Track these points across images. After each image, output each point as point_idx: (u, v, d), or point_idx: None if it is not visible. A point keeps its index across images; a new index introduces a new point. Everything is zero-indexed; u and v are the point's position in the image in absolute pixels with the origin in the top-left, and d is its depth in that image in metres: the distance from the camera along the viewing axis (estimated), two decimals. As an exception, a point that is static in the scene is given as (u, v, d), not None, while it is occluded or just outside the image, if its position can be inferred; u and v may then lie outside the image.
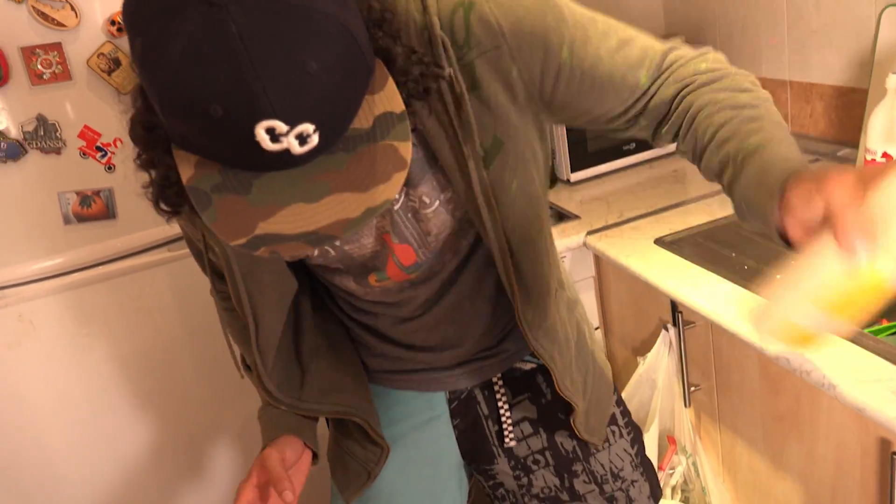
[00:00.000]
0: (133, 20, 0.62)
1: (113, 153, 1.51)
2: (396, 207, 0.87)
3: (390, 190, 0.64)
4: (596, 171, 2.09)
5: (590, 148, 2.07)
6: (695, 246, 1.54)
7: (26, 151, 1.46)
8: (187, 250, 1.02)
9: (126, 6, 0.64)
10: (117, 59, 1.45)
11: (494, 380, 1.13)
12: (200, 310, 1.68)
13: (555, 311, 1.01)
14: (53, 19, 1.39)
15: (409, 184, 0.86)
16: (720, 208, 1.70)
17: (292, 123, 0.59)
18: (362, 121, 0.65)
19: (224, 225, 0.63)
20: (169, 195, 0.71)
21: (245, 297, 0.89)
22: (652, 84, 0.86)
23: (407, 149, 0.66)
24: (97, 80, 1.46)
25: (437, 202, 0.87)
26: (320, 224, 0.63)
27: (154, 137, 0.67)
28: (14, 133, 1.45)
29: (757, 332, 0.69)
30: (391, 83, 0.68)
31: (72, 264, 1.56)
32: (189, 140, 0.63)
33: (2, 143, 1.44)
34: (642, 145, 2.11)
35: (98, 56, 1.44)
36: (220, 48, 0.57)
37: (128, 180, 1.53)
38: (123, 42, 1.45)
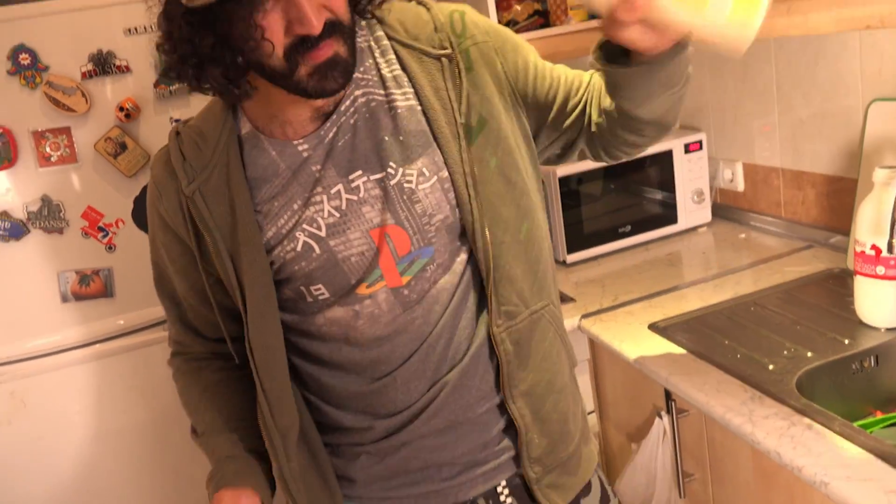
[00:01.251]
0: None
1: (114, 233, 1.56)
2: (392, 182, 0.97)
3: None
4: (592, 252, 2.13)
5: (586, 229, 2.12)
6: (688, 332, 1.57)
7: (29, 231, 1.51)
8: None
9: None
10: (124, 143, 1.51)
11: (499, 489, 1.09)
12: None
13: (542, 333, 1.06)
14: (65, 105, 1.46)
15: (409, 158, 0.98)
16: (714, 294, 1.74)
17: None
18: None
19: None
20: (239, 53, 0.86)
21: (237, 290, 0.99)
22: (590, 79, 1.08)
23: None
24: (103, 162, 1.52)
25: (434, 178, 0.98)
26: None
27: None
28: (19, 213, 1.50)
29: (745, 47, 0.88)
30: None
31: (67, 343, 1.59)
32: None
33: (6, 223, 1.49)
34: (638, 227, 2.16)
35: (105, 140, 1.50)
36: None
37: (128, 259, 1.57)
38: (131, 126, 1.52)
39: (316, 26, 0.83)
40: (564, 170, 2.06)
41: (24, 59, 1.43)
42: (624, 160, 1.16)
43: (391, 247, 0.98)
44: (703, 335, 1.54)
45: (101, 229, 1.55)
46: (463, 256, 1.03)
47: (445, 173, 0.99)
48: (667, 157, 2.14)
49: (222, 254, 0.98)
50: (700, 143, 2.17)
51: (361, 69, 0.99)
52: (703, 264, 1.96)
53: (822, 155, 1.89)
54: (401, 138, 0.98)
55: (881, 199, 1.48)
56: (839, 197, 1.86)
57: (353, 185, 0.97)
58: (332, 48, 0.88)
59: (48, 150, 1.47)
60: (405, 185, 0.97)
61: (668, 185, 2.17)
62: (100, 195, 1.54)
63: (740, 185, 2.19)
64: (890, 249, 1.37)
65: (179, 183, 0.98)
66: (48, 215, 1.51)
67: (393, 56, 1.00)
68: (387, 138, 0.98)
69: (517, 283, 1.03)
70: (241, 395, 1.11)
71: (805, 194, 1.97)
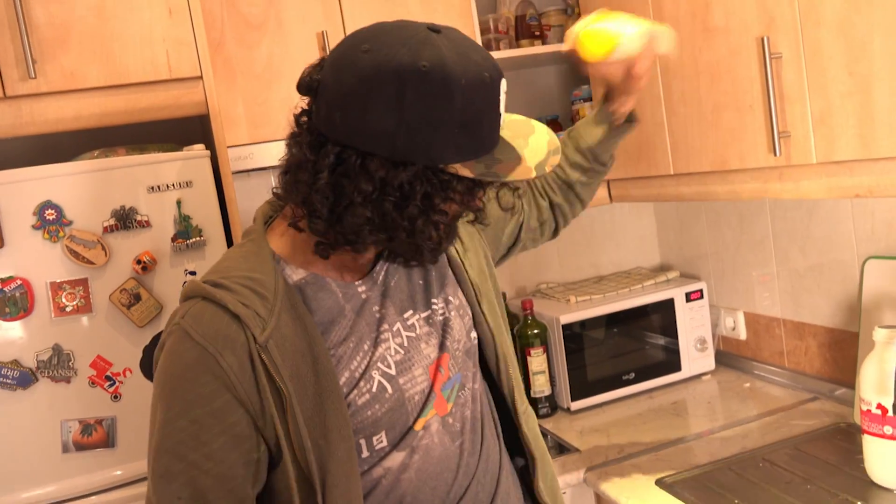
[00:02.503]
0: (399, 60, 0.86)
1: (121, 382, 1.58)
2: (436, 317, 1.08)
3: (539, 123, 0.99)
4: (596, 400, 2.15)
5: (590, 376, 2.14)
6: (697, 489, 1.56)
7: (37, 380, 1.53)
8: None
9: (372, 62, 0.86)
10: (138, 294, 1.56)
11: None
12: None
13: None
14: (84, 258, 1.52)
15: (438, 293, 1.10)
16: (721, 447, 1.74)
17: (505, 86, 0.94)
18: None
19: (515, 175, 0.92)
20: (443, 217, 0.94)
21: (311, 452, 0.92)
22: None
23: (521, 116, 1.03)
24: (116, 313, 1.56)
25: (453, 306, 1.10)
26: (545, 148, 0.96)
27: (419, 179, 0.89)
28: (28, 362, 1.53)
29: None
30: None
31: (63, 494, 1.56)
32: (473, 134, 0.89)
33: (15, 372, 1.51)
34: (641, 375, 2.19)
35: (121, 291, 1.55)
36: (461, 44, 0.89)
37: (132, 409, 1.58)
38: (146, 278, 1.57)
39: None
40: (568, 316, 2.11)
41: (51, 214, 1.50)
42: (557, 234, 1.44)
43: (442, 374, 1.05)
44: (712, 493, 1.53)
45: (108, 378, 1.57)
46: (478, 379, 1.13)
47: (458, 300, 1.12)
48: (668, 304, 2.20)
49: (296, 409, 0.90)
50: (701, 291, 2.23)
51: None
52: (709, 414, 1.97)
53: (821, 307, 1.95)
54: (435, 273, 1.11)
55: (883, 358, 1.52)
56: (841, 349, 1.90)
57: (409, 322, 1.05)
58: None
59: (64, 300, 1.52)
60: (440, 317, 1.08)
61: (670, 331, 2.22)
62: (110, 345, 1.57)
63: (742, 334, 2.24)
64: (895, 410, 1.39)
65: (248, 333, 0.90)
66: (58, 364, 1.54)
67: None
68: (424, 278, 1.10)
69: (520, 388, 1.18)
70: None
71: (807, 345, 2.01)
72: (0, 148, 1.84)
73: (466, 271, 1.15)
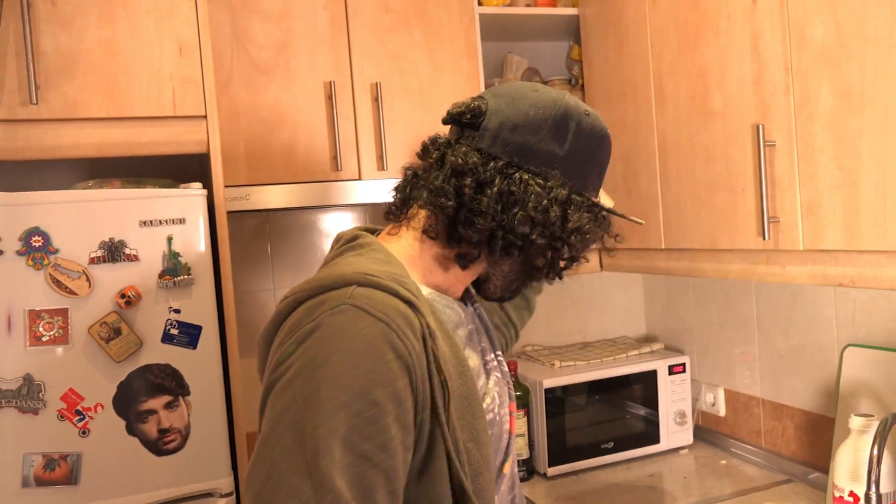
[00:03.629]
0: (569, 112, 1.02)
1: (91, 417, 1.55)
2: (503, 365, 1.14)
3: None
4: (573, 466, 2.14)
5: (568, 441, 2.14)
6: (669, 570, 1.55)
7: (2, 408, 1.51)
8: None
9: (548, 111, 1.01)
10: (119, 329, 1.55)
11: None
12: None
13: None
14: (67, 288, 1.51)
15: (494, 343, 1.15)
16: (695, 527, 1.74)
17: None
18: None
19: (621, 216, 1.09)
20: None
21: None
22: None
23: None
24: (94, 346, 1.55)
25: (497, 362, 1.14)
26: (611, 202, 1.12)
27: (582, 209, 1.03)
28: (-3, 389, 1.50)
29: None
30: None
31: (20, 530, 1.53)
32: (600, 179, 1.08)
33: (-17, 399, 1.49)
34: (620, 444, 2.19)
35: (101, 324, 1.54)
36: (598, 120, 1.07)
37: (99, 446, 1.56)
38: (128, 313, 1.57)
39: None
40: (551, 380, 2.11)
41: (37, 241, 1.49)
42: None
43: (512, 420, 1.10)
44: (684, 575, 1.53)
45: (78, 412, 1.55)
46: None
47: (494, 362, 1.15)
48: (651, 376, 2.21)
49: (453, 403, 0.88)
50: (684, 365, 2.25)
51: None
52: (685, 490, 1.97)
53: (800, 390, 1.97)
54: (489, 325, 1.18)
55: (858, 446, 1.54)
56: (818, 434, 1.92)
57: (495, 362, 1.12)
58: None
59: (41, 329, 1.51)
60: (502, 366, 1.14)
61: (651, 403, 2.22)
62: (84, 378, 1.55)
63: (722, 411, 2.25)
64: (867, 500, 1.40)
65: (421, 319, 0.87)
66: (27, 395, 1.51)
67: None
68: (489, 328, 1.17)
69: None
70: None
71: (785, 426, 2.03)
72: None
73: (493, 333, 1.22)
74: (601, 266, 2.19)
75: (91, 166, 1.78)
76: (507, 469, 1.06)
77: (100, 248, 1.54)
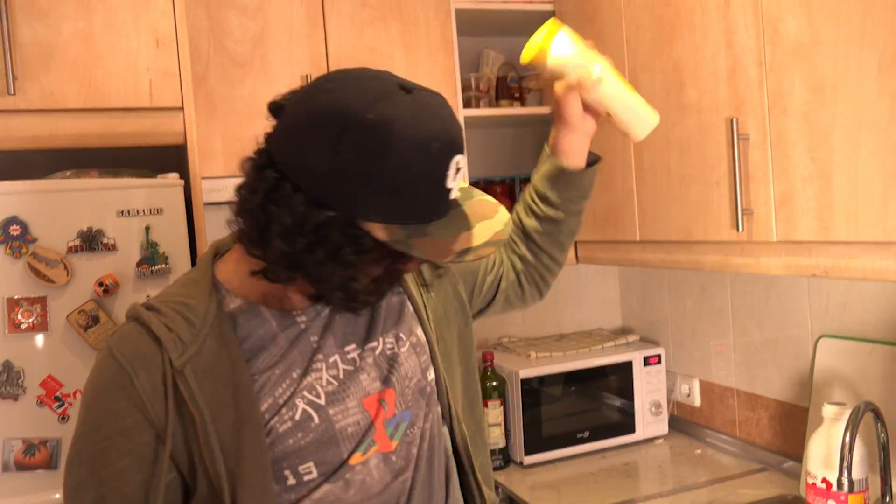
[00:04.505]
0: (348, 107, 0.85)
1: (70, 404, 1.54)
2: (378, 351, 1.05)
3: (503, 216, 0.97)
4: (549, 455, 2.14)
5: (544, 431, 2.14)
6: (642, 556, 1.56)
7: (-18, 395, 1.49)
8: None
9: (327, 104, 0.87)
10: (97, 317, 1.54)
11: None
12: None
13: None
14: (46, 276, 1.50)
15: (387, 328, 1.07)
16: (669, 514, 1.75)
17: (463, 162, 0.90)
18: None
19: (430, 253, 0.88)
20: (351, 268, 0.91)
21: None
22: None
23: (492, 199, 1.01)
24: (72, 334, 1.53)
25: (408, 344, 1.08)
26: (486, 238, 0.92)
27: (332, 227, 0.87)
28: (-25, 376, 1.49)
29: (646, 132, 1.22)
30: None
31: (-3, 517, 1.52)
32: (396, 197, 0.86)
33: (-39, 387, 1.48)
34: (596, 434, 2.19)
35: (79, 312, 1.53)
36: (424, 110, 0.87)
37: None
38: (107, 301, 1.56)
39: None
40: (527, 371, 2.11)
41: (15, 230, 1.48)
42: (544, 295, 1.34)
43: (385, 410, 1.02)
44: (656, 561, 1.53)
45: (57, 399, 1.53)
46: (430, 419, 1.09)
47: (415, 339, 1.10)
48: (626, 367, 2.22)
49: (210, 437, 0.91)
50: (659, 356, 2.26)
51: None
52: (660, 478, 1.98)
53: (774, 381, 1.98)
54: (385, 309, 1.08)
55: (830, 433, 1.55)
56: (791, 423, 1.93)
57: (349, 356, 1.03)
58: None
59: (20, 317, 1.49)
60: (388, 351, 1.06)
61: (627, 394, 2.23)
62: (63, 365, 1.53)
63: (697, 401, 2.26)
64: (840, 486, 1.41)
65: (166, 357, 0.91)
66: (6, 381, 1.50)
67: None
68: (374, 313, 1.07)
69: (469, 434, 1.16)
70: None
71: (759, 416, 2.04)
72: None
73: (425, 312, 1.13)
74: (577, 259, 2.19)
75: (68, 157, 1.76)
76: (357, 459, 1.00)
77: (78, 238, 1.53)
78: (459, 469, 1.15)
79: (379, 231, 0.86)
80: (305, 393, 0.97)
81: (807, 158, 1.37)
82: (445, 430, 1.13)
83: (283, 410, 0.95)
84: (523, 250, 1.28)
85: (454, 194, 0.91)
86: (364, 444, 1.00)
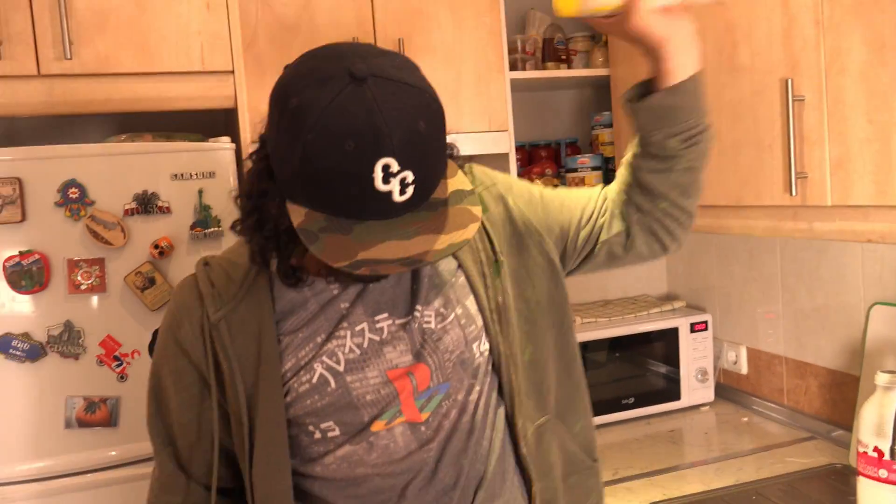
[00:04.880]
0: (288, 86, 0.85)
1: (128, 363, 1.61)
2: (416, 325, 1.03)
3: (467, 233, 0.88)
4: (594, 421, 2.16)
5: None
6: (688, 519, 1.58)
7: (46, 354, 1.56)
8: None
9: (283, 78, 0.87)
10: (153, 278, 1.59)
11: None
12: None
13: (547, 444, 1.12)
14: (104, 238, 1.55)
15: (429, 300, 1.05)
16: (715, 478, 1.76)
17: (402, 165, 0.83)
18: (440, 193, 0.90)
19: (330, 253, 0.84)
20: (275, 242, 0.93)
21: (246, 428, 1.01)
22: (602, 193, 1.19)
23: (478, 210, 0.91)
24: (130, 295, 1.59)
25: (452, 315, 1.05)
26: (411, 253, 0.84)
27: (268, 198, 0.89)
28: (39, 335, 1.56)
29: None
30: (460, 172, 0.95)
31: (61, 469, 1.59)
32: (312, 186, 0.84)
33: (25, 345, 1.55)
34: (641, 401, 2.20)
35: (136, 274, 1.58)
36: (360, 103, 0.81)
37: (137, 391, 1.61)
38: (162, 263, 1.61)
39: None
40: (572, 337, 2.13)
41: (74, 193, 1.53)
42: (669, 247, 1.19)
43: (413, 384, 1.02)
44: (703, 524, 1.55)
45: (116, 358, 1.60)
46: (476, 391, 1.07)
47: (462, 310, 1.06)
48: (672, 333, 2.22)
49: (238, 387, 0.99)
50: (706, 323, 2.25)
51: None
52: (705, 445, 1.99)
53: (824, 349, 1.97)
54: (427, 280, 1.06)
55: (883, 402, 1.53)
56: (841, 391, 1.92)
57: (378, 325, 1.03)
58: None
59: (80, 278, 1.55)
60: (425, 325, 1.04)
61: (673, 361, 2.23)
62: (121, 325, 1.60)
63: (744, 369, 2.25)
64: (892, 454, 1.41)
65: (205, 310, 1.00)
66: (68, 340, 1.57)
67: None
68: (416, 285, 1.06)
69: (531, 400, 1.11)
70: None
71: (808, 385, 2.03)
72: (30, 124, 1.88)
73: (483, 282, 1.09)
74: (626, 224, 2.19)
75: (119, 122, 1.81)
76: (379, 426, 1.02)
77: (134, 201, 1.58)
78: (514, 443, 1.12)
79: (298, 216, 0.86)
80: (325, 358, 1.00)
81: (864, 120, 1.35)
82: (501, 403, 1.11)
83: (302, 373, 0.99)
84: (638, 199, 1.14)
85: (398, 197, 0.84)
86: (387, 414, 1.01)
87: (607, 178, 2.28)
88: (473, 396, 1.07)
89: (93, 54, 1.59)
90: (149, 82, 1.63)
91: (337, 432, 1.01)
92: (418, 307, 1.04)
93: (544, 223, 1.15)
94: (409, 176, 0.83)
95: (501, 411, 1.10)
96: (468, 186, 0.92)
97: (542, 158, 2.30)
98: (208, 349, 1.00)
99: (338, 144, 0.81)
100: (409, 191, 0.84)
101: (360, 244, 0.84)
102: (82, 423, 1.60)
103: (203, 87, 1.66)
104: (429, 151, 0.86)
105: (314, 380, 0.99)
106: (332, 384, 0.99)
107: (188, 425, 1.05)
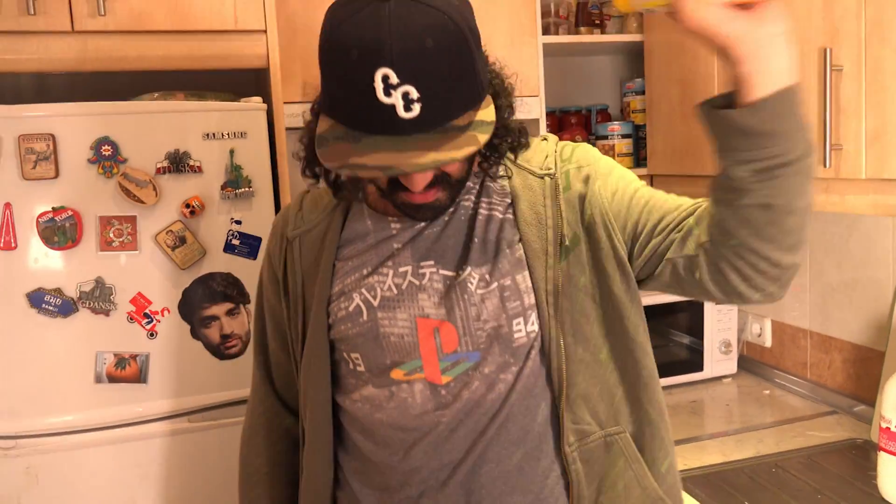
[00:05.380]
0: (329, 10, 0.91)
1: (158, 321, 1.65)
2: (458, 281, 1.04)
3: (457, 154, 0.88)
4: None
5: (610, 367, 2.20)
6: (708, 487, 1.62)
7: (77, 310, 1.61)
8: (208, 423, 1.46)
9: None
10: (184, 237, 1.63)
11: None
12: (205, 484, 1.75)
13: (612, 459, 1.07)
14: (136, 196, 1.59)
15: (480, 262, 1.05)
16: (735, 449, 1.79)
17: (402, 78, 0.85)
18: (461, 121, 0.91)
19: (328, 156, 0.90)
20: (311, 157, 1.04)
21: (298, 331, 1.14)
22: (693, 207, 1.04)
23: (484, 137, 0.91)
24: (160, 253, 1.63)
25: (495, 285, 1.04)
26: (394, 163, 0.87)
27: (313, 120, 1.00)
28: (71, 291, 1.61)
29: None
30: (493, 108, 0.96)
31: (91, 423, 1.65)
32: (333, 98, 0.91)
33: (57, 300, 1.60)
34: (663, 371, 2.22)
35: (167, 232, 1.62)
36: (373, 17, 0.86)
37: (166, 348, 1.66)
38: (193, 222, 1.65)
39: (418, 188, 0.96)
40: (595, 306, 2.16)
41: (107, 150, 1.57)
42: (746, 296, 0.98)
43: (437, 342, 1.03)
44: (722, 492, 1.59)
45: (146, 315, 1.65)
46: (513, 371, 1.04)
47: (510, 282, 1.04)
48: (697, 305, 2.25)
49: (297, 299, 1.12)
50: (731, 295, 2.27)
51: (472, 181, 1.09)
52: (726, 417, 2.02)
53: (850, 323, 1.99)
54: (480, 243, 1.06)
55: (908, 378, 1.56)
56: (866, 367, 1.94)
57: (421, 271, 1.06)
58: (432, 196, 0.99)
59: (112, 235, 1.59)
60: (468, 285, 1.04)
61: (696, 331, 2.26)
62: (151, 283, 1.64)
63: (768, 342, 2.28)
64: (915, 429, 1.44)
65: (287, 228, 1.15)
66: (99, 296, 1.61)
67: (503, 172, 1.10)
68: (475, 241, 1.06)
69: (592, 402, 1.06)
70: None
71: (832, 359, 2.06)
72: (62, 81, 1.91)
73: (546, 260, 1.05)
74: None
75: (151, 79, 1.84)
76: (398, 374, 1.05)
77: (165, 159, 1.61)
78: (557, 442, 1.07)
79: (324, 125, 0.93)
80: (364, 290, 1.07)
81: (905, 92, 1.36)
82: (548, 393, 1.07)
83: (343, 299, 1.08)
84: (711, 227, 0.95)
85: (403, 113, 0.86)
86: (408, 365, 1.04)
87: (638, 147, 2.29)
88: (507, 376, 1.04)
89: (126, 10, 1.61)
90: (182, 40, 1.66)
91: (363, 367, 1.07)
92: (466, 266, 1.05)
93: (622, 217, 1.06)
94: (413, 92, 0.85)
95: (547, 403, 1.06)
96: (492, 118, 0.94)
97: (571, 125, 2.32)
98: (282, 261, 1.15)
99: (345, 53, 0.86)
100: (416, 108, 0.86)
101: (356, 151, 0.88)
102: (112, 379, 1.65)
103: (235, 46, 1.69)
104: (434, 70, 0.87)
105: (350, 308, 1.06)
106: (365, 316, 1.06)
107: (273, 332, 1.20)
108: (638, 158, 2.28)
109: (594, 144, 2.32)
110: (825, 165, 1.52)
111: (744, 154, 0.86)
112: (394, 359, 1.05)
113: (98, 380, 1.65)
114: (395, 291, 1.05)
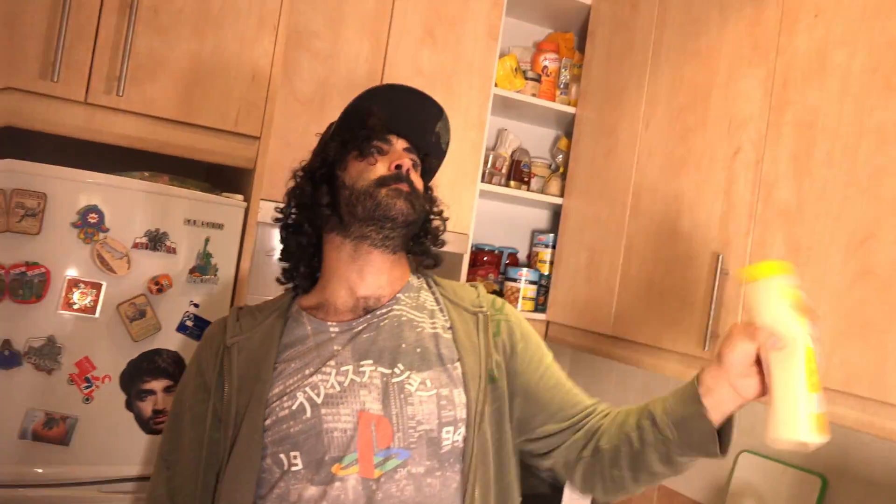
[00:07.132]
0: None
1: (98, 387, 1.79)
2: (395, 380, 1.22)
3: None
4: None
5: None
6: None
7: (21, 364, 1.72)
8: (121, 494, 1.61)
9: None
10: (144, 311, 1.81)
11: None
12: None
13: None
14: (109, 265, 1.76)
15: (419, 367, 1.25)
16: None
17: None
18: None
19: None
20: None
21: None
22: (593, 407, 1.37)
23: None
24: (118, 323, 1.79)
25: (434, 392, 1.23)
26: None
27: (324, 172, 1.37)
28: (18, 345, 1.72)
29: (784, 441, 1.04)
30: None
31: (7, 479, 1.72)
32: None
33: (5, 352, 1.70)
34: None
35: (130, 304, 1.79)
36: (375, 91, 1.43)
37: (97, 415, 1.78)
38: (156, 299, 1.82)
39: (407, 165, 1.33)
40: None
41: (93, 218, 1.73)
42: (598, 501, 1.33)
43: (374, 436, 1.18)
44: None
45: (87, 380, 1.76)
46: (437, 477, 1.19)
47: (447, 392, 1.23)
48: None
49: (231, 403, 1.23)
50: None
51: (410, 294, 1.35)
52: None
53: (695, 482, 2.38)
54: (419, 350, 1.26)
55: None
56: (705, 520, 2.36)
57: (361, 369, 1.23)
58: (409, 187, 1.33)
59: (75, 297, 1.74)
60: (406, 385, 1.22)
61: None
62: (101, 349, 1.75)
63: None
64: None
65: (224, 337, 1.29)
66: (46, 354, 1.72)
67: (438, 303, 1.36)
68: (404, 346, 1.26)
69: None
70: None
71: (676, 509, 2.47)
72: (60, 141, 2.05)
73: (479, 381, 1.25)
74: (546, 335, 2.60)
75: (134, 156, 2.02)
76: (338, 469, 1.16)
77: (145, 236, 1.80)
78: None
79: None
80: (308, 389, 1.20)
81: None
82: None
83: (286, 398, 1.20)
84: (606, 449, 1.26)
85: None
86: (346, 459, 1.16)
87: (538, 294, 2.70)
88: (434, 481, 1.19)
89: (140, 95, 1.83)
90: (184, 131, 1.89)
91: (300, 465, 1.17)
92: (401, 366, 1.24)
93: (531, 390, 1.33)
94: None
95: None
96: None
97: (484, 262, 2.70)
98: (219, 368, 1.27)
99: (357, 104, 1.39)
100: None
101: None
102: (37, 437, 1.74)
103: (231, 146, 1.94)
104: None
105: (294, 406, 1.19)
106: (308, 413, 1.18)
107: (189, 445, 1.27)
108: (537, 303, 2.70)
109: (503, 284, 2.72)
110: (704, 348, 1.95)
111: (681, 450, 1.21)
112: (333, 455, 1.17)
113: (23, 436, 1.73)
114: (339, 388, 1.20)
